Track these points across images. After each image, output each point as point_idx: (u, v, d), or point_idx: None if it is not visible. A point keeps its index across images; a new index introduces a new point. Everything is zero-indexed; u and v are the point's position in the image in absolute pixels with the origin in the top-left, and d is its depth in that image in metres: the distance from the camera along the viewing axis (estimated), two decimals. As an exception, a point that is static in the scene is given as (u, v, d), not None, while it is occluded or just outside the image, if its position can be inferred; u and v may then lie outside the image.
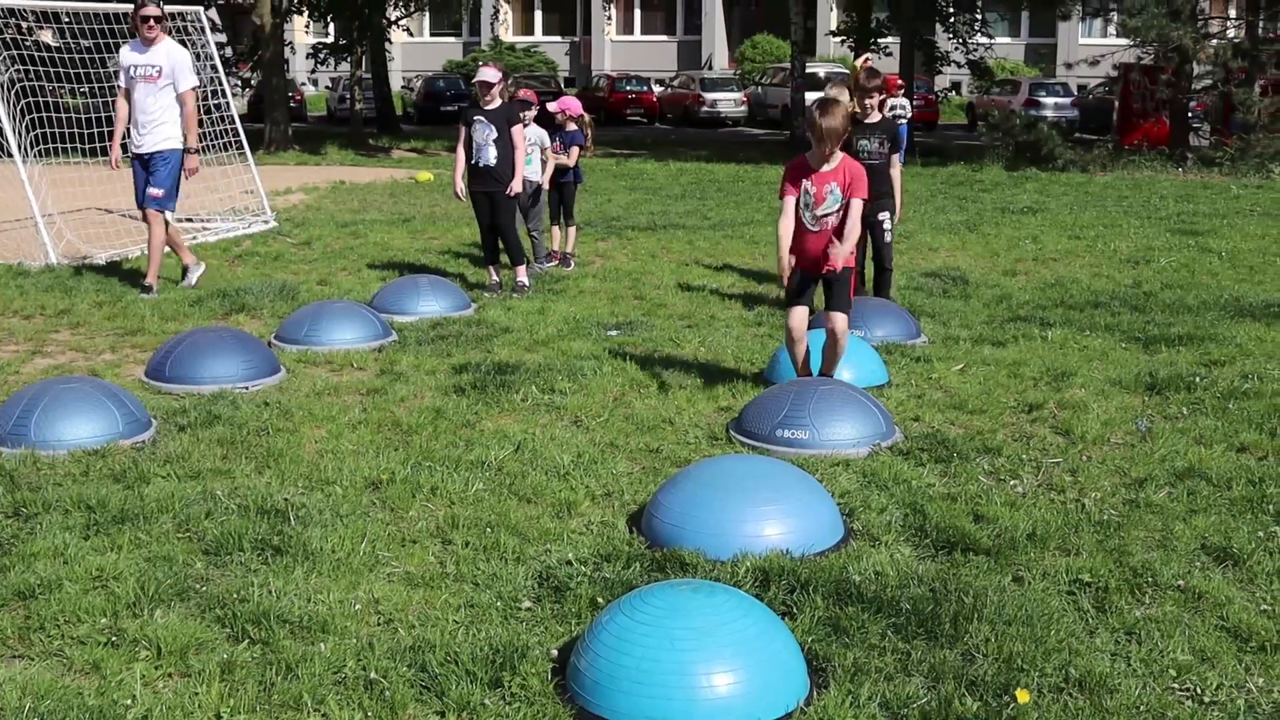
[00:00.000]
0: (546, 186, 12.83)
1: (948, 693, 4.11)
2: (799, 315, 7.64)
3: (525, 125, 12.21)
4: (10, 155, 12.44)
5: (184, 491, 6.02)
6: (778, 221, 7.55)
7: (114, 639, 4.52)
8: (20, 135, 12.57)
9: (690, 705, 3.92)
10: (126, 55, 11.18)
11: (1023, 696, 4.10)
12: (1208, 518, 5.75)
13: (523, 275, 11.60)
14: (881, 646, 4.47)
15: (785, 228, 7.44)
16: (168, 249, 11.46)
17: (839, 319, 7.63)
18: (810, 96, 34.77)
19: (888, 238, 10.54)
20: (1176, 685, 4.23)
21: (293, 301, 10.94)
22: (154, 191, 11.09)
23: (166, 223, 11.16)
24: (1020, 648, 4.42)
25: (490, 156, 11.30)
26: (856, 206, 7.40)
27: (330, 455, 6.66)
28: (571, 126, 13.07)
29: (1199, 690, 4.20)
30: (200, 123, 16.21)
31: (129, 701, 4.07)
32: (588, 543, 5.47)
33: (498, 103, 11.40)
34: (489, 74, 11.45)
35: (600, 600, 4.78)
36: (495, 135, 11.28)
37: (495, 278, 11.67)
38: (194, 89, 11.27)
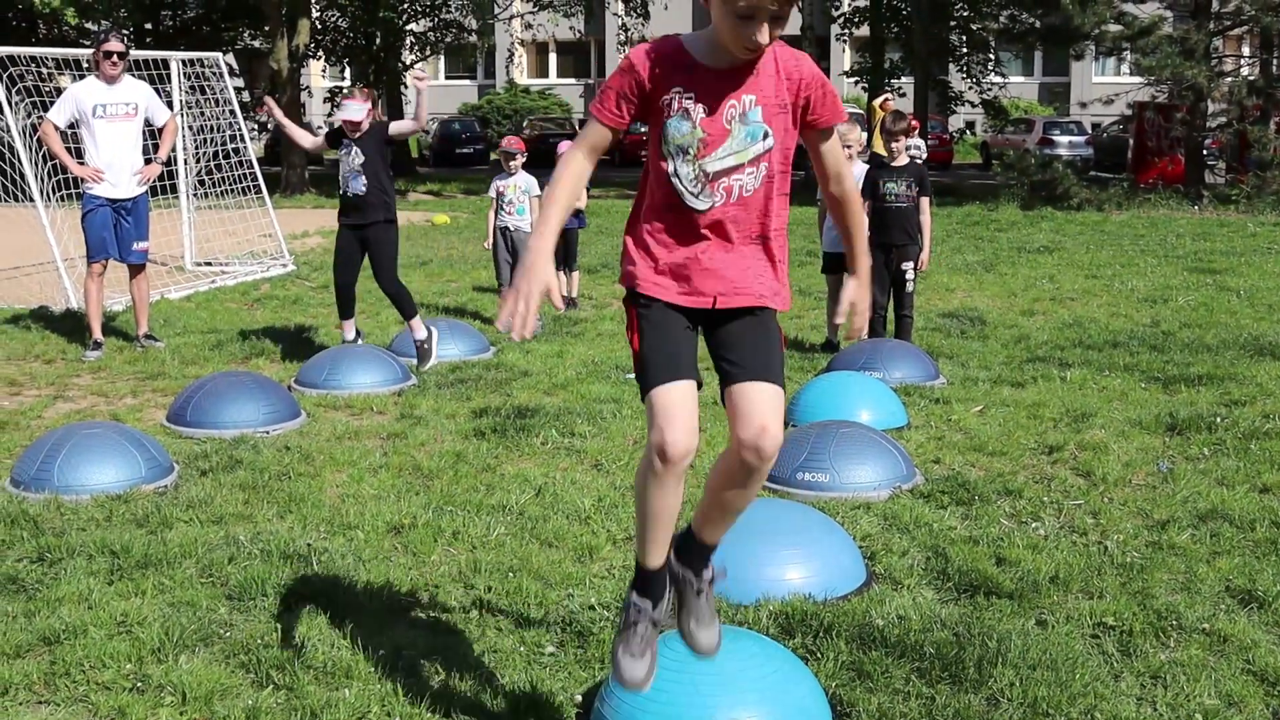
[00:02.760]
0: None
1: (973, 738, 4.10)
2: (678, 397, 3.56)
3: (513, 174, 12.03)
4: (32, 200, 12.51)
5: (207, 536, 6.03)
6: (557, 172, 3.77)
7: (139, 685, 4.53)
8: (42, 180, 12.65)
9: (715, 751, 3.88)
10: (87, 92, 10.54)
11: (1049, 741, 4.09)
12: (1231, 560, 5.72)
13: (420, 329, 10.12)
14: (906, 691, 4.46)
15: (568, 177, 3.69)
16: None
17: (763, 398, 3.57)
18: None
19: (910, 288, 10.36)
20: (1203, 730, 4.19)
21: (312, 345, 10.97)
22: (144, 246, 10.85)
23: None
24: (1045, 692, 4.40)
25: (360, 185, 9.95)
26: (847, 171, 3.90)
27: (352, 499, 6.67)
28: None
29: (1226, 735, 4.15)
30: (219, 166, 16.37)
31: (154, 748, 4.07)
32: (610, 587, 5.47)
33: (366, 122, 10.02)
34: (354, 110, 9.97)
35: (623, 645, 4.77)
36: (363, 159, 9.93)
37: (350, 335, 10.47)
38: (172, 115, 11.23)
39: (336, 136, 10.20)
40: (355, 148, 9.93)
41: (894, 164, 10.25)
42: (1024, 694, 4.40)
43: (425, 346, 10.03)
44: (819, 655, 4.72)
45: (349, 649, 4.79)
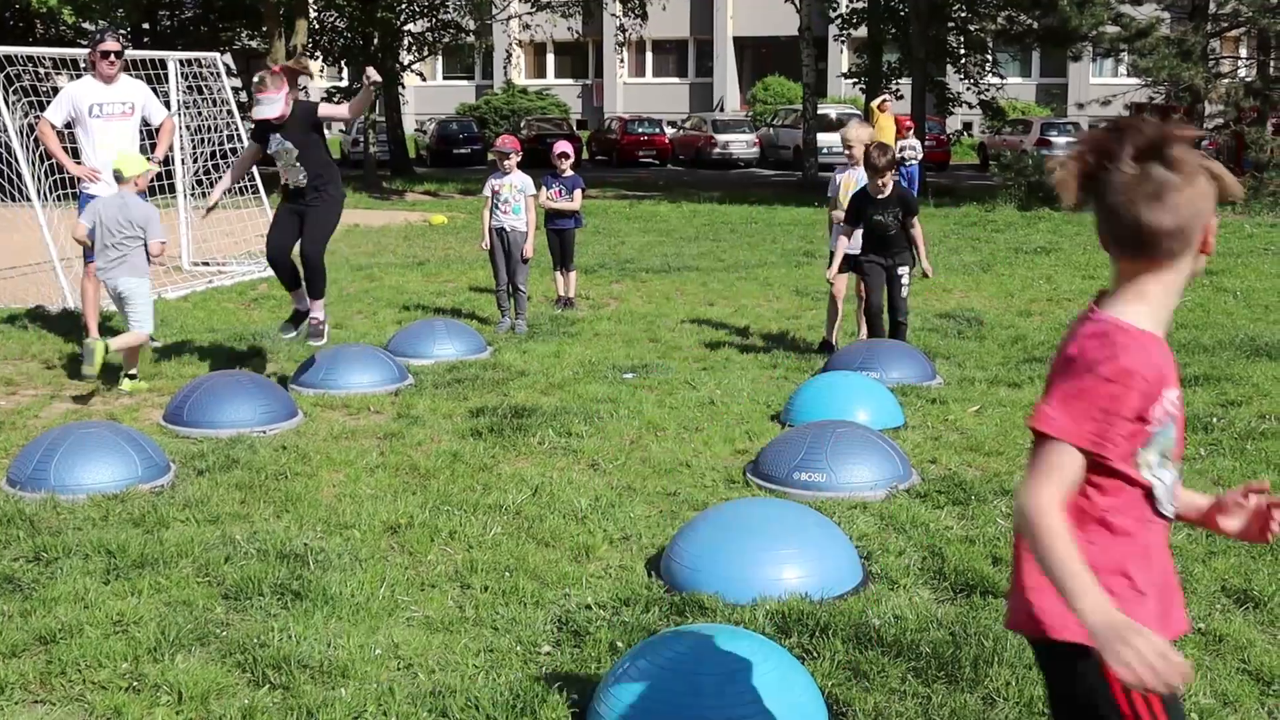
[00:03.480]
0: (530, 233, 11.97)
1: (969, 737, 4.11)
2: None
3: (508, 173, 11.92)
4: (30, 199, 12.53)
5: (203, 536, 6.05)
6: (1036, 510, 2.64)
7: (135, 684, 4.55)
8: (39, 180, 12.66)
9: (712, 750, 3.89)
10: (83, 91, 10.54)
11: (1045, 741, 4.10)
12: (1227, 560, 5.74)
13: (320, 310, 9.41)
14: (902, 690, 4.48)
15: (1060, 532, 2.63)
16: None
17: None
18: (823, 138, 35.03)
19: (905, 291, 10.19)
20: (1199, 730, 4.20)
21: (309, 345, 10.96)
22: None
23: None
24: (1041, 691, 4.41)
25: (301, 177, 9.00)
26: None
27: (348, 499, 6.69)
28: (570, 171, 12.83)
29: (1222, 734, 4.17)
30: (216, 166, 16.37)
31: (150, 747, 4.08)
32: (606, 587, 5.49)
33: (286, 109, 8.87)
34: (270, 107, 8.83)
35: (620, 644, 4.80)
36: (297, 151, 8.95)
37: (304, 305, 9.46)
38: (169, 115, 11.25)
39: (261, 130, 9.14)
40: (284, 140, 8.94)
41: (879, 196, 10.04)
42: (1020, 693, 4.42)
43: (319, 326, 9.38)
44: (815, 655, 4.74)
45: (345, 648, 4.80)
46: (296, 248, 9.22)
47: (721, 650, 4.15)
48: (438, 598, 5.36)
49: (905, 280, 10.19)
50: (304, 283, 9.35)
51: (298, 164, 8.97)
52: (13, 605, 5.22)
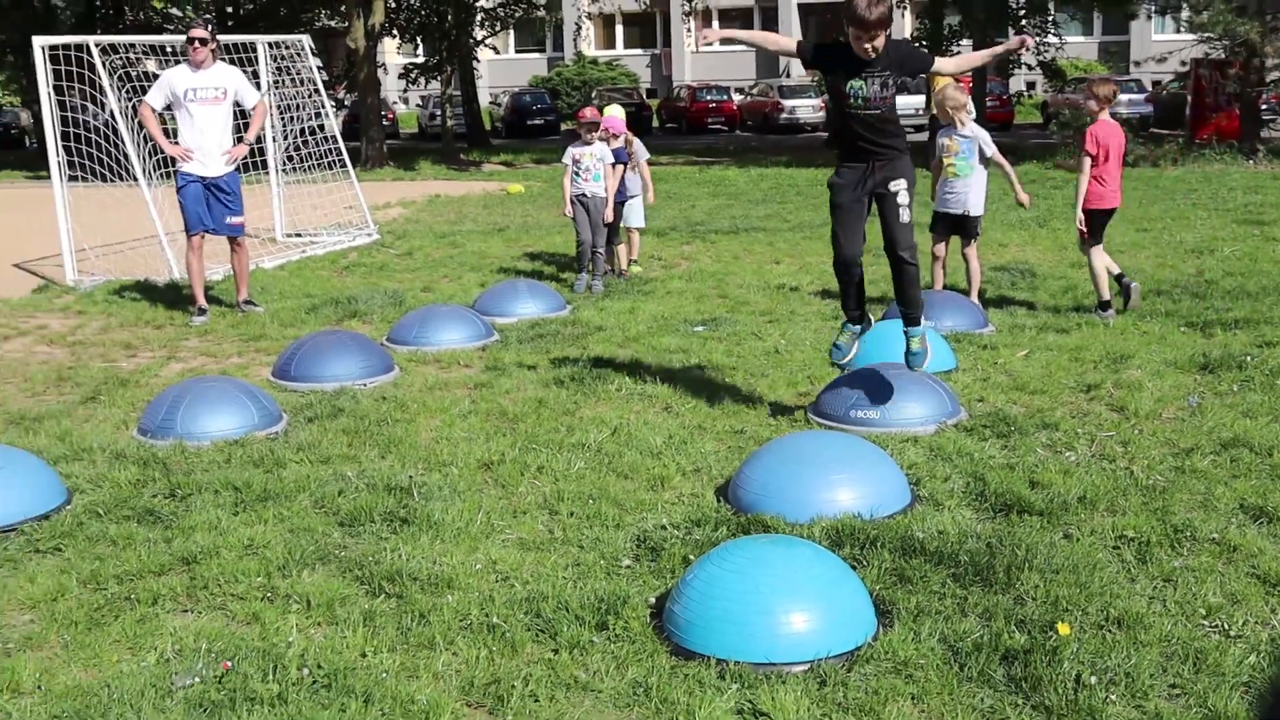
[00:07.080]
0: (610, 199, 12.47)
1: (998, 628, 4.62)
2: None
3: (590, 144, 12.28)
4: (136, 179, 13.20)
5: (317, 474, 6.67)
6: None
7: (269, 595, 5.15)
8: (144, 160, 13.32)
9: (772, 641, 4.46)
10: (179, 77, 11.16)
11: (1063, 629, 4.60)
12: (1248, 481, 6.17)
13: None
14: (941, 592, 4.98)
15: None
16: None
17: None
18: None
19: (905, 215, 7.04)
20: (1206, 622, 4.70)
21: (400, 307, 11.58)
22: (237, 220, 11.45)
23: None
24: (1066, 592, 4.90)
25: None
26: None
27: (445, 441, 7.27)
28: (615, 144, 12.89)
29: (1226, 626, 4.66)
30: (305, 142, 17.03)
31: (288, 643, 4.68)
32: (680, 511, 6.03)
33: None
34: None
35: (691, 558, 5.32)
36: None
37: None
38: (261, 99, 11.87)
39: None
40: None
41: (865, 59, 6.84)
42: (1047, 594, 4.91)
43: None
44: (865, 563, 5.26)
45: (449, 564, 5.38)
46: None
47: (782, 556, 4.68)
48: (529, 523, 5.92)
49: (903, 201, 7.03)
50: None
51: None
52: (156, 533, 5.86)
